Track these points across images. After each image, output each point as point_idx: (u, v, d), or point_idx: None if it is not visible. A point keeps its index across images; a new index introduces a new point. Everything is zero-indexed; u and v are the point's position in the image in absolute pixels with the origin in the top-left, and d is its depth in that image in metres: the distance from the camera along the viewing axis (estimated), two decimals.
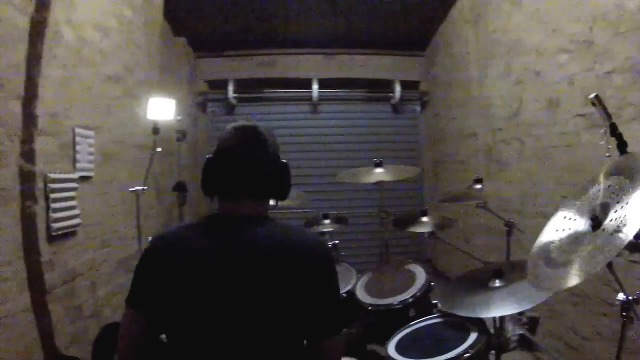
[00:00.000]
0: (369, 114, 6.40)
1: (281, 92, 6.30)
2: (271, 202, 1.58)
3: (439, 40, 5.73)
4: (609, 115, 1.83)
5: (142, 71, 4.41)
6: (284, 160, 1.56)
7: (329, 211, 3.60)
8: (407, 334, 2.38)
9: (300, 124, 6.34)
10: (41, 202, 2.79)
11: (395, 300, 2.60)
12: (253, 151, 1.48)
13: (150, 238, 2.45)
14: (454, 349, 2.11)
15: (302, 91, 6.21)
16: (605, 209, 1.65)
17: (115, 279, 3.73)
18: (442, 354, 2.10)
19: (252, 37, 5.89)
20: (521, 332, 3.52)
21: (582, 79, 2.96)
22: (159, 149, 3.37)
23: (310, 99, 6.20)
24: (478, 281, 2.31)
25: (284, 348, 1.41)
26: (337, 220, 3.47)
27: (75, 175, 3.21)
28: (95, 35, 3.40)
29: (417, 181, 6.25)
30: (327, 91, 6.21)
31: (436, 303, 2.56)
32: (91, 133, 3.44)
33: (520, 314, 3.60)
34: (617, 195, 1.59)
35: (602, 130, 1.84)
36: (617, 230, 1.47)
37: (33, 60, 2.69)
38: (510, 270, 2.27)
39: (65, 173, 3.05)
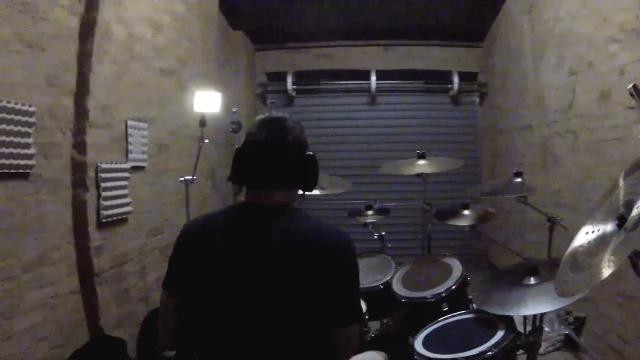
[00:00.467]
0: (427, 105, 6.27)
1: (339, 83, 6.29)
2: (300, 193, 1.63)
3: (495, 30, 5.52)
4: None
5: (197, 64, 4.55)
6: (310, 152, 1.57)
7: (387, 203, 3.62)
8: (436, 328, 2.35)
9: (358, 116, 6.31)
10: (92, 191, 2.97)
11: (429, 293, 2.57)
12: (276, 143, 1.52)
13: None
14: (479, 346, 2.07)
15: (360, 83, 6.17)
16: (630, 205, 1.56)
17: (165, 265, 3.90)
18: (467, 350, 2.07)
19: (310, 29, 5.91)
20: (567, 332, 3.36)
21: (633, 69, 2.76)
22: (206, 141, 3.48)
23: (368, 90, 6.16)
24: (512, 278, 2.24)
25: (302, 334, 1.45)
26: (380, 211, 3.46)
27: (127, 165, 3.39)
28: (147, 32, 3.55)
29: (475, 174, 6.07)
30: (385, 83, 6.14)
31: (471, 298, 2.52)
32: (144, 125, 3.61)
33: (568, 313, 3.44)
34: None
35: None
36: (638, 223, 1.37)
37: (84, 57, 2.85)
38: (547, 268, 2.17)
39: (116, 163, 3.22)
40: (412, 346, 2.22)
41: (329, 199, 4.57)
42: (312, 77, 6.29)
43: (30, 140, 2.46)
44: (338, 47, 6.16)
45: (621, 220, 1.54)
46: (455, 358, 2.04)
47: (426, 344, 2.22)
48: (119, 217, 3.24)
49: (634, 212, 1.47)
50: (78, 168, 2.90)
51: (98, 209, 3.01)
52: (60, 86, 2.73)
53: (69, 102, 2.83)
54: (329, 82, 6.29)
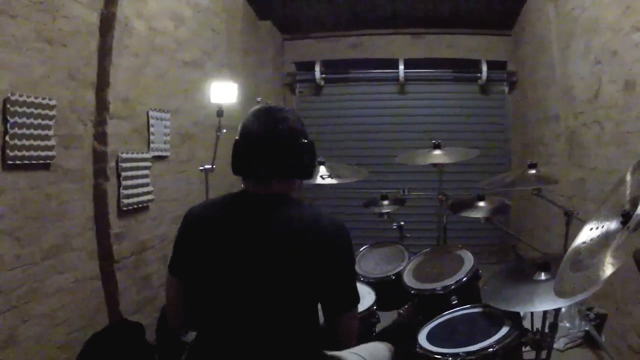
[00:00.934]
0: (456, 94, 6.15)
1: (367, 72, 6.25)
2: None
3: (523, 18, 5.36)
4: None
5: (223, 56, 4.61)
6: (305, 140, 1.60)
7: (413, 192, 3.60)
8: (443, 322, 2.34)
9: (387, 105, 6.24)
10: (112, 180, 3.07)
11: (438, 285, 2.56)
12: (268, 133, 1.56)
13: None
14: (481, 341, 2.06)
15: (388, 72, 6.11)
16: (636, 202, 1.52)
17: None
18: (468, 345, 2.06)
19: (338, 19, 5.88)
20: (587, 328, 3.29)
21: None
22: (224, 130, 3.53)
23: (396, 79, 6.09)
24: (523, 273, 2.20)
25: (295, 317, 1.51)
26: (396, 201, 3.46)
27: (149, 155, 3.49)
28: (169, 25, 3.63)
29: (505, 164, 5.94)
30: (414, 71, 6.07)
31: None
32: (167, 116, 3.70)
33: (589, 309, 3.36)
34: None
35: None
36: None
37: (104, 51, 2.94)
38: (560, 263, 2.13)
39: (138, 153, 3.31)
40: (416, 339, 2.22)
41: (360, 188, 4.58)
42: (340, 66, 6.27)
43: (50, 133, 2.56)
44: (366, 35, 6.11)
45: (625, 218, 1.51)
46: (456, 353, 2.03)
47: (431, 337, 2.21)
48: (140, 206, 3.34)
49: (639, 210, 1.43)
50: (99, 158, 3.00)
51: (118, 198, 3.11)
52: (81, 80, 2.83)
53: (90, 94, 2.93)
54: (357, 71, 6.25)
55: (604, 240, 1.58)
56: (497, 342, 2.03)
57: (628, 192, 1.57)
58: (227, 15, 4.63)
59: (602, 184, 3.41)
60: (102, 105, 2.99)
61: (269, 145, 1.55)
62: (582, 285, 1.49)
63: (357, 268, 3.00)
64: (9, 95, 2.26)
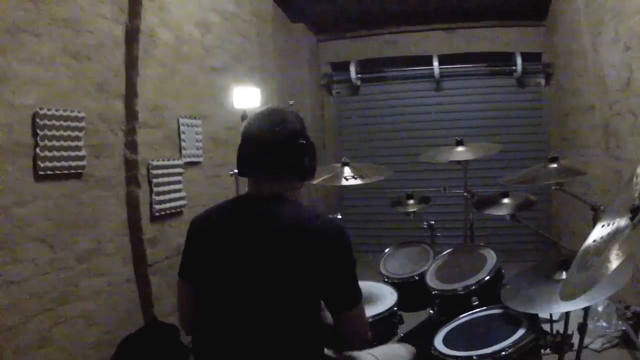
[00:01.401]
0: (492, 88, 6.00)
1: (403, 70, 6.19)
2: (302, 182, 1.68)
3: (555, 6, 5.14)
4: None
5: (254, 60, 4.68)
6: (303, 141, 1.61)
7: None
8: (462, 323, 2.29)
9: (423, 102, 6.16)
10: (144, 187, 3.18)
11: (459, 286, 2.50)
12: (263, 135, 1.59)
13: None
14: (496, 344, 2.00)
15: (423, 68, 6.03)
16: None
17: None
18: (484, 348, 2.01)
19: (370, 17, 5.85)
20: (624, 328, 3.12)
21: None
22: None
23: (432, 76, 6.01)
24: (545, 273, 2.13)
25: (293, 318, 1.52)
26: (422, 200, 3.41)
27: (181, 162, 3.59)
28: (196, 33, 3.72)
29: (544, 158, 5.73)
30: (449, 67, 5.97)
31: None
32: (198, 122, 3.79)
33: (627, 307, 3.20)
34: None
35: None
36: None
37: (130, 62, 3.06)
38: None
39: (169, 160, 3.42)
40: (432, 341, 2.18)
41: (399, 187, 4.54)
42: (375, 65, 6.23)
43: (81, 144, 2.69)
44: (399, 33, 6.05)
45: (634, 213, 1.44)
46: (469, 356, 1.98)
47: (447, 339, 2.17)
48: (174, 211, 3.44)
49: None
50: (130, 166, 3.12)
51: (151, 204, 3.22)
52: (110, 91, 2.95)
53: (119, 105, 3.05)
54: (392, 69, 6.20)
55: (612, 238, 1.51)
56: (512, 345, 1.96)
57: (639, 186, 1.49)
58: (256, 19, 4.70)
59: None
60: (131, 114, 3.10)
61: (266, 146, 1.58)
62: (583, 286, 1.44)
63: (381, 268, 2.98)
64: (38, 109, 2.39)
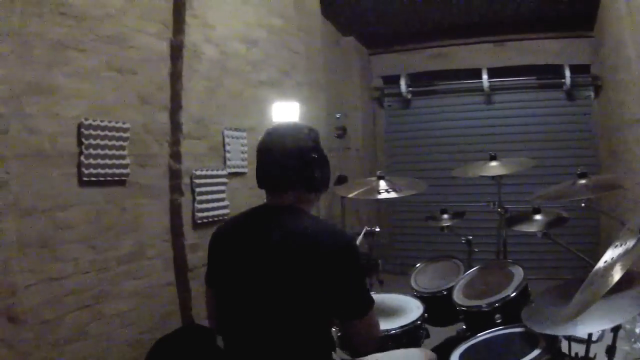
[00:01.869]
0: (541, 102, 5.87)
1: (452, 83, 6.13)
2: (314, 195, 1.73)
3: (601, 17, 4.90)
4: None
5: (302, 74, 4.78)
6: (314, 155, 1.67)
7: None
8: (479, 342, 2.22)
9: (473, 116, 6.10)
10: (187, 195, 3.32)
11: (484, 302, 2.43)
12: (274, 149, 1.67)
13: None
14: None
15: (472, 82, 5.97)
16: None
17: None
18: None
19: (420, 30, 5.86)
20: None
21: None
22: None
23: (481, 89, 5.93)
24: (568, 292, 2.03)
25: (301, 328, 1.56)
26: (456, 214, 3.35)
27: (225, 172, 3.72)
28: (241, 48, 3.86)
29: (594, 174, 5.46)
30: (498, 80, 5.88)
31: None
32: (242, 134, 3.92)
33: None
34: None
35: None
36: None
37: (175, 76, 3.23)
38: None
39: (213, 170, 3.55)
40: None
41: (448, 201, 4.46)
42: (425, 78, 6.21)
43: (125, 152, 2.86)
44: (449, 46, 6.05)
45: None
46: None
47: (463, 356, 2.11)
48: (216, 219, 3.55)
49: None
50: (174, 175, 3.27)
51: (193, 211, 3.36)
52: (154, 103, 3.12)
53: (164, 117, 3.21)
54: (442, 83, 6.17)
55: (621, 258, 1.45)
56: None
57: None
58: (304, 34, 4.81)
59: None
60: (175, 126, 3.26)
61: (278, 160, 1.65)
62: (581, 305, 1.39)
63: (412, 282, 2.95)
64: (83, 120, 2.57)
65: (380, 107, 6.55)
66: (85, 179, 2.60)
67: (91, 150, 2.63)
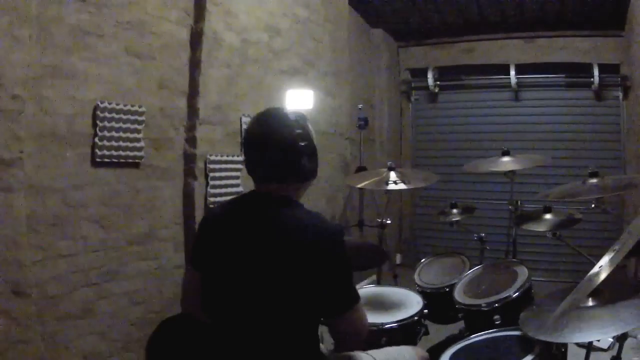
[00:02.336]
0: (569, 101, 5.72)
1: (480, 79, 6.03)
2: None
3: (632, 16, 4.70)
4: None
5: (326, 64, 4.77)
6: (303, 143, 1.64)
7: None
8: (472, 343, 2.20)
9: (500, 112, 5.98)
10: (201, 179, 3.38)
11: (483, 302, 2.41)
12: (260, 137, 1.66)
13: None
14: None
15: (501, 77, 5.86)
16: None
17: None
18: None
19: (450, 24, 5.76)
20: None
21: None
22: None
23: (509, 85, 5.82)
24: (573, 297, 2.00)
25: (288, 318, 1.56)
26: (465, 209, 3.32)
27: (240, 158, 3.76)
28: (264, 36, 3.87)
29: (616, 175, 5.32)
30: (526, 77, 5.77)
31: None
32: None
33: None
34: None
35: None
36: None
37: (194, 63, 3.27)
38: (618, 287, 1.90)
39: (228, 156, 3.60)
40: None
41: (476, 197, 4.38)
42: (453, 72, 6.13)
43: (140, 136, 2.92)
44: (478, 41, 5.95)
45: None
46: None
47: (454, 357, 2.11)
48: None
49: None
50: (189, 159, 3.33)
51: (206, 196, 3.41)
52: (172, 89, 3.17)
53: (182, 102, 3.27)
54: (469, 78, 6.07)
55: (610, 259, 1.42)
56: None
57: None
58: (330, 25, 4.79)
59: None
60: (192, 111, 3.31)
61: (263, 147, 1.64)
62: (564, 309, 1.37)
63: (415, 277, 2.94)
64: (98, 102, 2.64)
65: (407, 100, 6.50)
66: (98, 159, 2.67)
67: (105, 133, 2.71)
